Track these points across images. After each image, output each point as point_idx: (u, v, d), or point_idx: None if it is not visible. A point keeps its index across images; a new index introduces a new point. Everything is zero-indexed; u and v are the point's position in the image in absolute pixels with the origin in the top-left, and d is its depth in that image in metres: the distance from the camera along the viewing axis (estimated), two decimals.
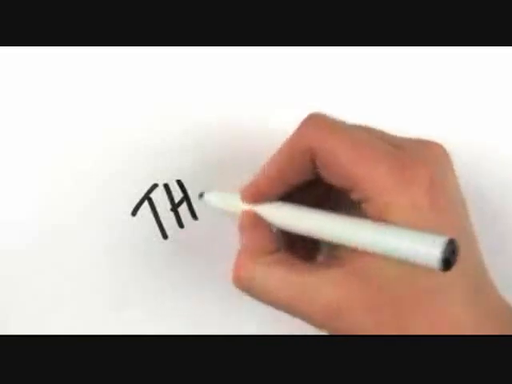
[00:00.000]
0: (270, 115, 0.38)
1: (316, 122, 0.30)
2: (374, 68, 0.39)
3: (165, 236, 0.38)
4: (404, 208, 0.28)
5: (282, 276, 0.30)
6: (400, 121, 0.34)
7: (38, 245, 0.37)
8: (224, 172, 0.38)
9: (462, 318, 0.28)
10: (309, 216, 0.30)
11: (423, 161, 0.28)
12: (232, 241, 0.33)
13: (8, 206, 0.37)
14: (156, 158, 0.38)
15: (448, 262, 0.25)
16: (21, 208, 0.37)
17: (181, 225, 0.38)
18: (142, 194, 0.38)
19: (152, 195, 0.38)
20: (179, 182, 0.38)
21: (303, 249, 0.33)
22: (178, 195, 0.38)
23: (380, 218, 0.28)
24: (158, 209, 0.38)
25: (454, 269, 0.26)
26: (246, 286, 0.31)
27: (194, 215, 0.38)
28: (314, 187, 0.31)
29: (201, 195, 0.35)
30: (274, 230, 0.32)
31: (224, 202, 0.34)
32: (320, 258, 0.34)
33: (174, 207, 0.38)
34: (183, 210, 0.38)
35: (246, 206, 0.32)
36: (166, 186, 0.38)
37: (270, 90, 0.39)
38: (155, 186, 0.38)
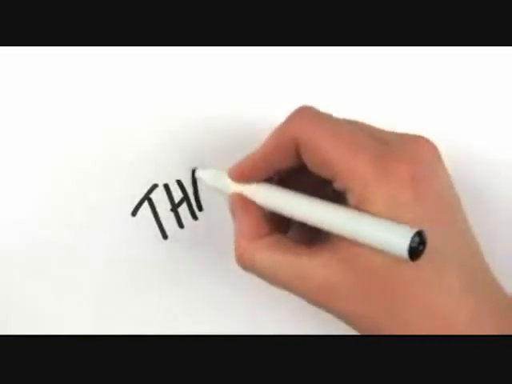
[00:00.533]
0: (270, 115, 0.38)
1: (303, 114, 0.31)
2: (374, 68, 0.39)
3: (165, 236, 0.38)
4: (382, 199, 0.28)
5: (277, 258, 0.31)
6: (400, 121, 0.34)
7: (38, 245, 0.37)
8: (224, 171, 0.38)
9: (456, 306, 0.28)
10: (289, 198, 0.32)
11: (407, 155, 0.29)
12: (232, 241, 0.33)
13: (8, 206, 0.37)
14: (156, 158, 0.38)
15: (415, 251, 0.26)
16: (21, 208, 0.37)
17: (181, 225, 0.38)
18: (142, 194, 0.38)
19: (152, 195, 0.38)
20: (179, 182, 0.38)
21: (305, 231, 0.34)
22: (177, 195, 0.38)
23: (359, 207, 0.29)
24: (158, 209, 0.38)
25: (446, 261, 0.27)
26: (248, 266, 0.32)
27: (193, 215, 0.38)
28: (301, 176, 0.32)
29: (193, 171, 0.37)
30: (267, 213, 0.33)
31: (214, 180, 0.35)
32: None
33: (174, 207, 0.38)
34: (183, 210, 0.38)
35: (234, 186, 0.34)
36: (166, 186, 0.38)
37: (269, 90, 0.39)
38: (155, 186, 0.38)
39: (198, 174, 0.37)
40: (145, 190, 0.38)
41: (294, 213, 0.31)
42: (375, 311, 0.29)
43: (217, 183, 0.35)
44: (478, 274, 0.29)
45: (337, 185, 0.30)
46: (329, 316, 0.30)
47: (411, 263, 0.27)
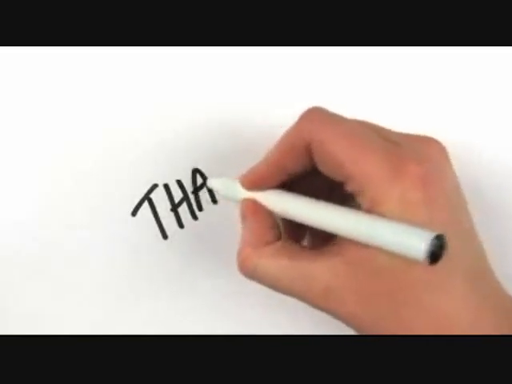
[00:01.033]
0: (270, 115, 0.38)
1: (313, 115, 0.30)
2: (374, 68, 0.39)
3: (165, 236, 0.38)
4: (395, 201, 0.28)
5: (283, 264, 0.31)
6: (399, 120, 0.34)
7: (38, 245, 0.37)
8: (224, 171, 0.38)
9: (460, 308, 0.28)
10: (302, 204, 0.31)
11: (418, 156, 0.29)
12: (232, 241, 0.33)
13: (8, 206, 0.37)
14: (156, 158, 0.38)
15: (435, 255, 0.26)
16: (21, 208, 0.37)
17: (181, 225, 0.38)
18: (142, 194, 0.38)
19: (152, 195, 0.38)
20: (179, 182, 0.38)
21: (320, 238, 0.34)
22: (177, 195, 0.38)
23: (372, 211, 0.28)
24: (158, 209, 0.38)
25: (451, 263, 0.27)
26: (250, 274, 0.32)
27: (193, 215, 0.38)
28: (313, 179, 0.32)
29: (204, 181, 0.37)
30: (276, 219, 0.33)
31: (226, 189, 0.35)
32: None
33: (174, 207, 0.38)
34: (183, 210, 0.38)
35: (247, 193, 0.33)
36: (166, 186, 0.38)
37: (269, 90, 0.39)
38: (155, 186, 0.38)
39: (209, 183, 0.36)
40: (145, 190, 0.38)
41: (309, 219, 0.31)
42: (379, 312, 0.28)
43: (229, 192, 0.35)
44: (483, 276, 0.29)
45: (348, 187, 0.30)
46: (326, 316, 0.30)
47: (419, 265, 0.26)
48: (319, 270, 0.29)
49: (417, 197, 0.28)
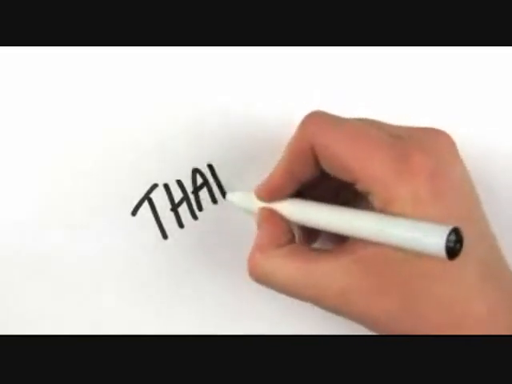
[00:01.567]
0: (270, 115, 0.38)
1: (315, 119, 0.30)
2: (376, 68, 0.39)
3: (165, 236, 0.38)
4: (406, 199, 0.28)
5: (295, 266, 0.31)
6: (399, 120, 0.34)
7: (38, 245, 0.37)
8: (224, 171, 0.38)
9: (475, 298, 0.28)
10: (318, 211, 0.31)
11: (424, 149, 0.29)
12: (232, 241, 0.33)
13: (8, 206, 0.37)
14: (156, 158, 0.38)
15: (453, 250, 0.26)
16: (21, 208, 0.37)
17: (181, 225, 0.38)
18: (142, 194, 0.38)
19: (152, 195, 0.38)
20: (179, 182, 0.38)
21: (333, 240, 0.34)
22: (177, 195, 0.38)
23: (384, 210, 0.28)
24: (158, 209, 0.38)
25: (464, 254, 0.26)
26: (260, 279, 0.32)
27: (193, 215, 0.38)
28: (323, 182, 0.32)
29: (223, 195, 0.38)
30: (290, 225, 0.33)
31: (243, 202, 0.36)
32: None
33: (174, 207, 0.38)
34: (183, 210, 0.38)
35: (263, 204, 0.34)
36: (166, 186, 0.38)
37: (269, 90, 0.39)
38: (155, 186, 0.38)
39: (228, 198, 0.37)
40: (145, 190, 0.38)
41: (328, 225, 0.31)
42: (394, 306, 0.28)
43: (246, 204, 0.35)
44: (496, 268, 0.29)
45: (359, 187, 0.30)
46: (327, 316, 0.30)
47: (435, 258, 0.26)
48: (333, 270, 0.29)
49: (425, 191, 0.28)
